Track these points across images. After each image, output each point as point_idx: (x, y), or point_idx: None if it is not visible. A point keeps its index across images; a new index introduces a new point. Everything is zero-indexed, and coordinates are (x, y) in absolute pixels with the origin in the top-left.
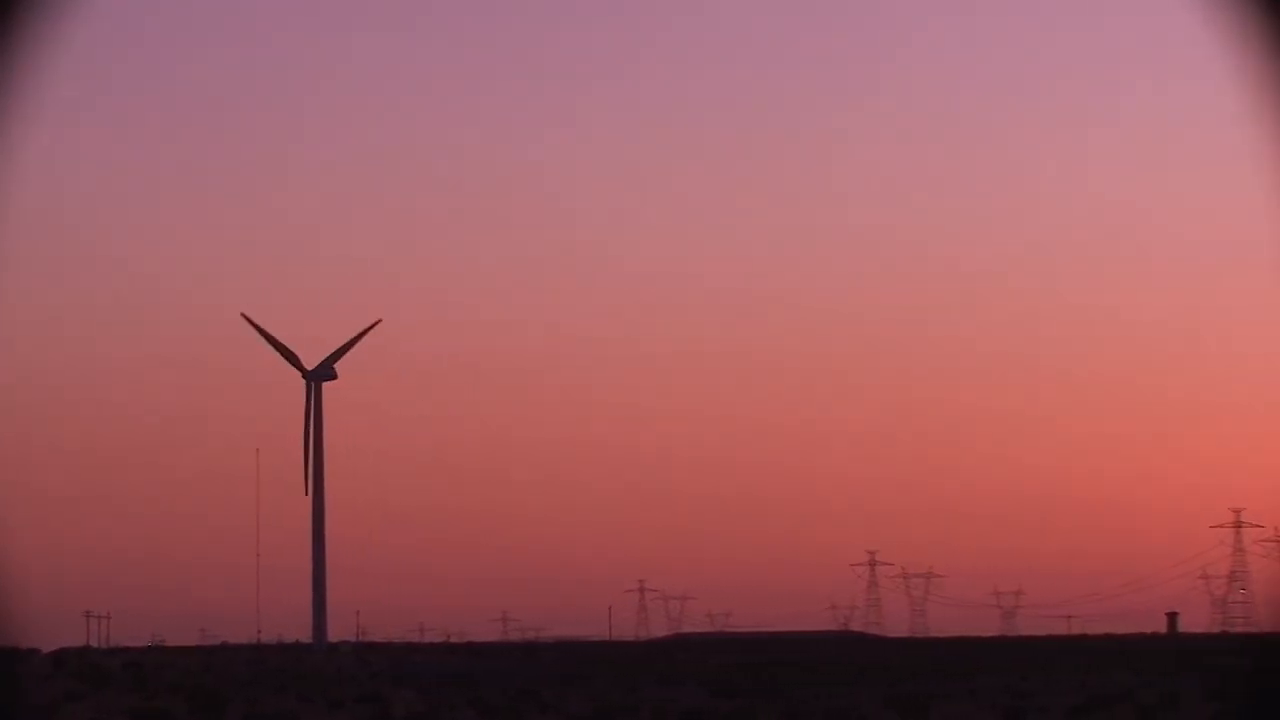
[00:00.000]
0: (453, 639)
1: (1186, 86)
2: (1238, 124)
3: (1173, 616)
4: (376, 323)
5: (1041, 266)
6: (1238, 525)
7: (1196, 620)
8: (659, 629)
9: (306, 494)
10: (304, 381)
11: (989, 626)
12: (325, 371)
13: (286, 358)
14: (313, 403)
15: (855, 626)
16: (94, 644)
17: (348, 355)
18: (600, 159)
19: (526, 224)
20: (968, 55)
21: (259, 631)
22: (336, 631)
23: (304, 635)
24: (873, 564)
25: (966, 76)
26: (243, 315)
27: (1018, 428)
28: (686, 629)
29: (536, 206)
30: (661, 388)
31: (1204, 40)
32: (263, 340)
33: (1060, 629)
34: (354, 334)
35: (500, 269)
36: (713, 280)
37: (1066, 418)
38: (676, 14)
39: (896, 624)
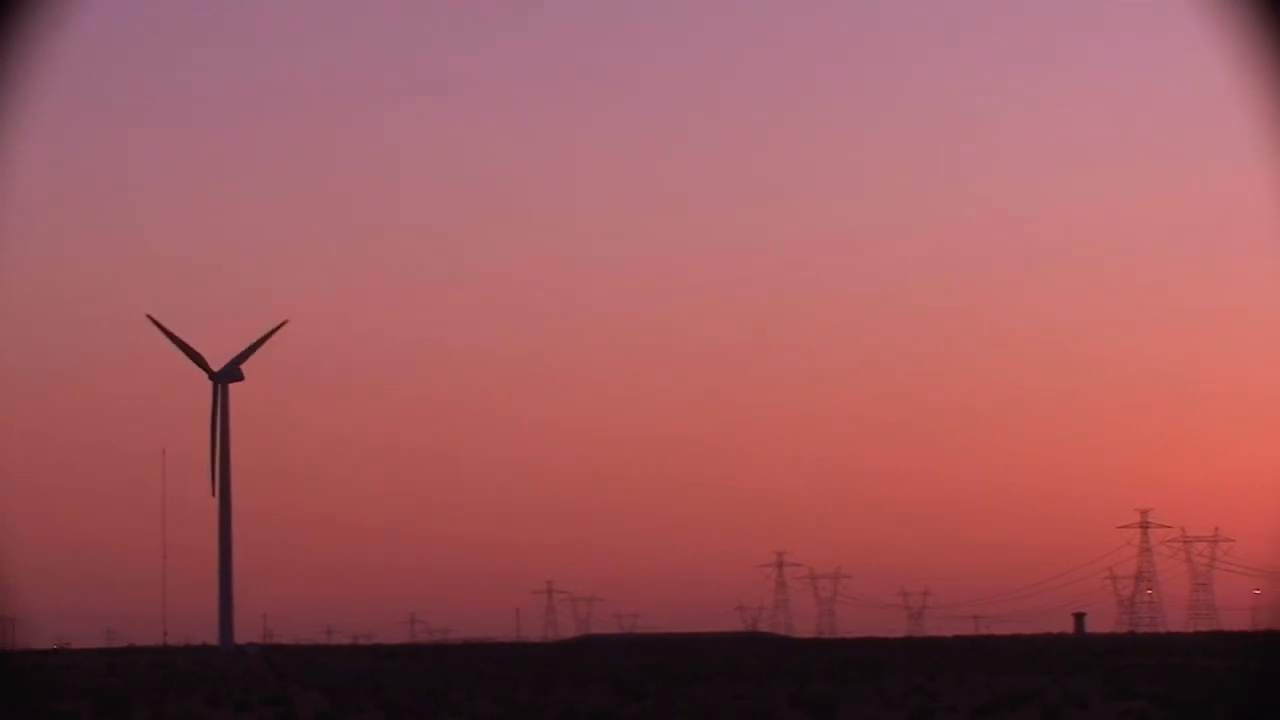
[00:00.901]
0: (360, 641)
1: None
2: (1133, 118)
3: (1080, 617)
4: (282, 324)
5: (945, 270)
6: (1145, 526)
7: (1104, 621)
8: (567, 630)
9: (213, 495)
10: (211, 383)
11: (896, 627)
12: (231, 373)
13: (193, 359)
14: (219, 404)
15: (763, 627)
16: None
17: (255, 357)
18: (486, 164)
19: (433, 229)
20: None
21: (165, 634)
22: (243, 634)
23: (211, 638)
24: (780, 565)
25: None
26: (148, 317)
27: (925, 430)
28: (594, 630)
29: (439, 211)
30: (570, 392)
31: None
32: (169, 342)
33: (967, 629)
34: (260, 335)
35: (414, 271)
36: (616, 286)
37: (974, 419)
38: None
39: (804, 624)
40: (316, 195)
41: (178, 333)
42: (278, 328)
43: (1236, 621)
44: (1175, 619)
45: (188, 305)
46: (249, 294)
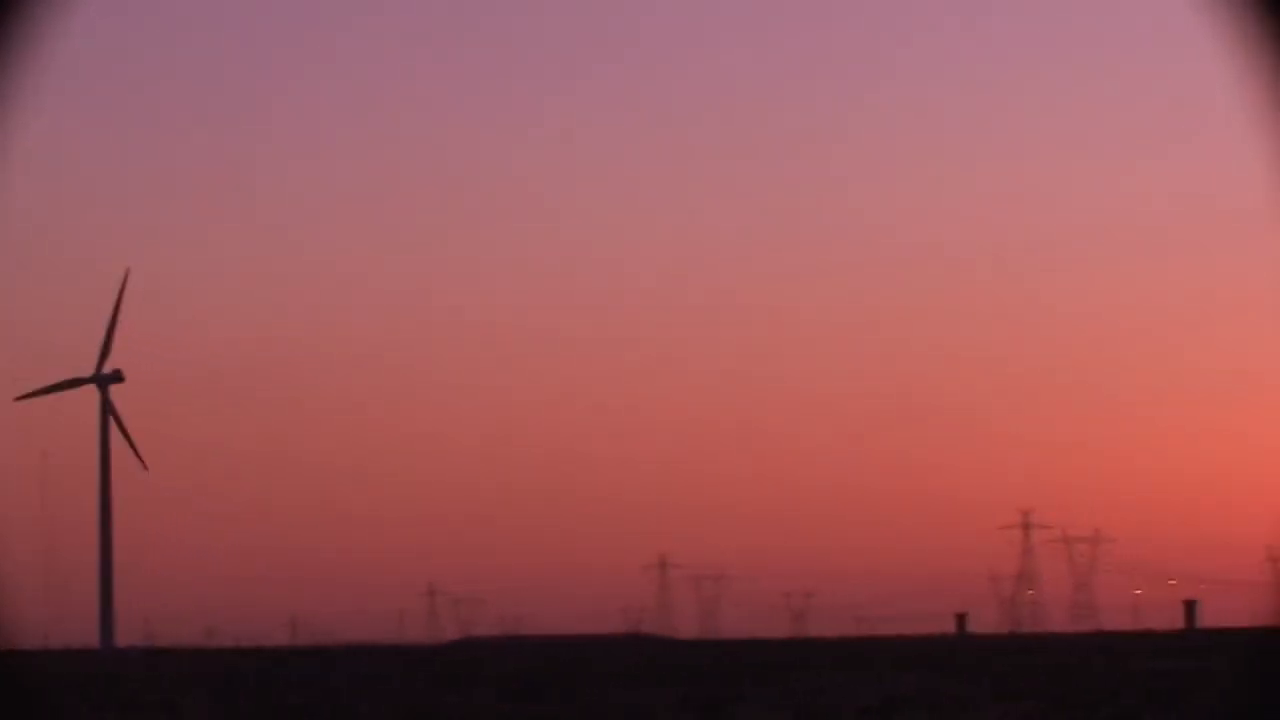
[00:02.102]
0: (243, 643)
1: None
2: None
3: (961, 617)
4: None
5: (820, 272)
6: (1026, 526)
7: (985, 621)
8: (449, 632)
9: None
10: (93, 386)
11: (780, 628)
12: (112, 374)
13: (70, 385)
14: (102, 406)
15: (646, 629)
16: None
17: (139, 358)
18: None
19: (320, 224)
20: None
21: (45, 636)
22: (125, 636)
23: (91, 640)
24: (663, 566)
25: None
26: (17, 399)
27: (807, 429)
28: (477, 632)
29: (305, 211)
30: (451, 394)
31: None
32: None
33: (850, 630)
34: (107, 329)
35: (290, 270)
36: (494, 289)
37: (855, 420)
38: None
39: (687, 626)
40: (195, 189)
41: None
42: (116, 314)
43: (1117, 621)
44: (1056, 619)
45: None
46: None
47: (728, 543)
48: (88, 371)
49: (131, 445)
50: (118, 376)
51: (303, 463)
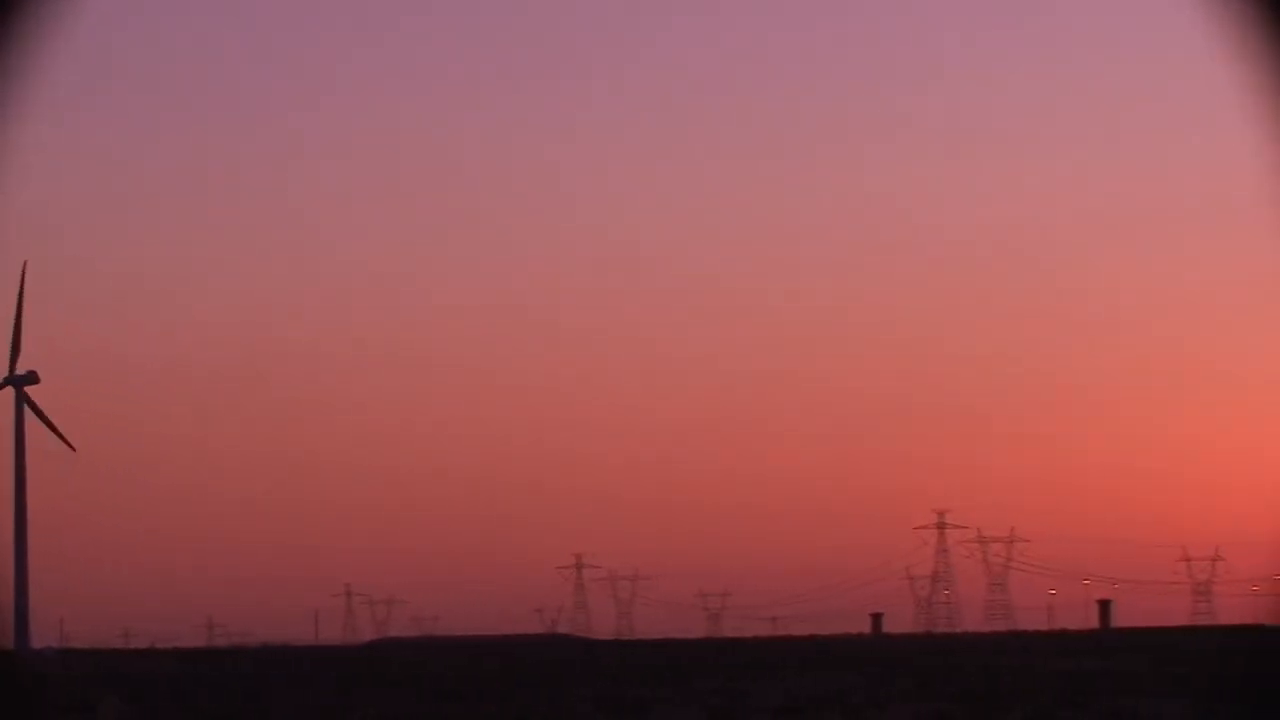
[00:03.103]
0: (158, 645)
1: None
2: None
3: (877, 617)
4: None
5: (752, 270)
6: (941, 526)
7: (900, 621)
8: (366, 633)
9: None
10: (7, 387)
11: (696, 628)
12: (26, 375)
13: None
14: (17, 409)
15: (563, 629)
16: None
17: (52, 360)
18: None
19: (238, 223)
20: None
21: None
22: (40, 637)
23: (5, 641)
24: (579, 567)
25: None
26: None
27: (722, 429)
28: (393, 633)
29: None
30: (368, 393)
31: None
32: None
33: (766, 630)
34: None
35: (212, 267)
36: (414, 287)
37: (770, 418)
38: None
39: (603, 626)
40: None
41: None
42: (20, 309)
43: (1032, 621)
44: (971, 619)
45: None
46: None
47: (644, 544)
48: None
49: (56, 432)
50: (32, 378)
51: (219, 465)
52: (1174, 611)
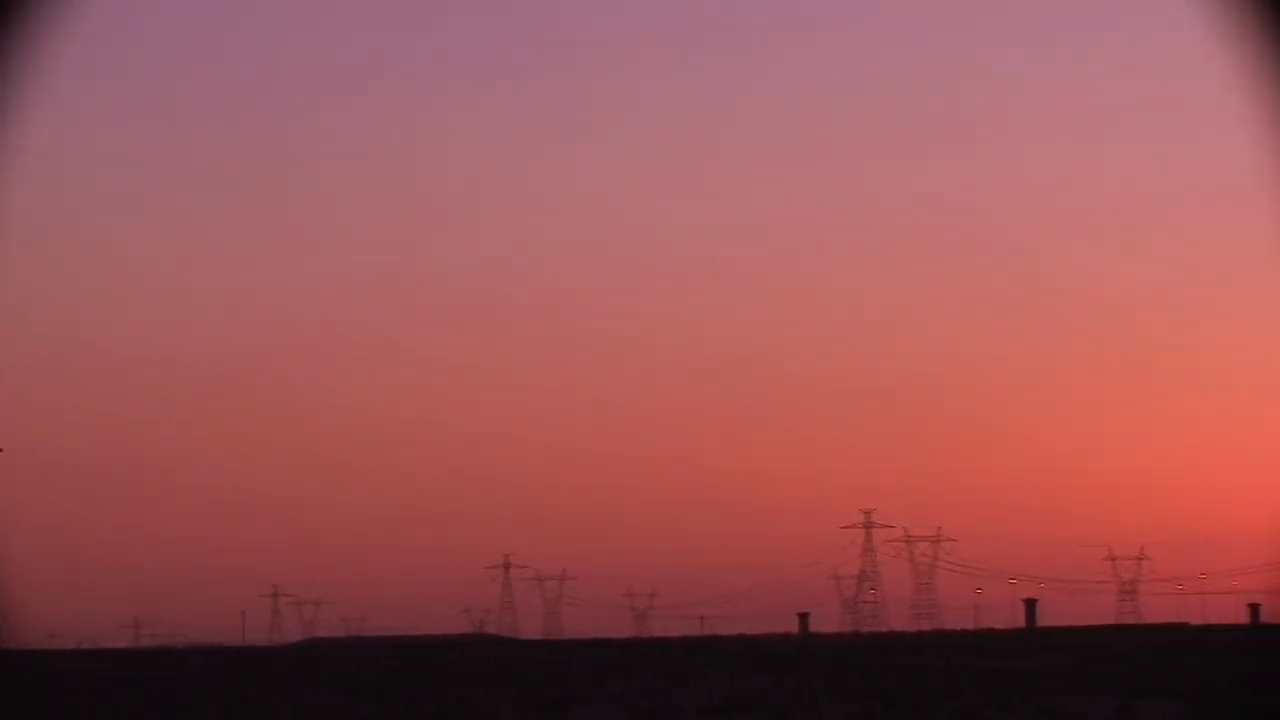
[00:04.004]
0: (84, 646)
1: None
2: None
3: (804, 617)
4: None
5: (663, 271)
6: (868, 526)
7: (827, 621)
8: (292, 634)
9: None
10: None
11: (623, 628)
12: None
13: None
14: None
15: (490, 629)
16: None
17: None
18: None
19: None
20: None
21: None
22: None
23: None
24: (506, 567)
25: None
26: None
27: (649, 427)
28: (320, 633)
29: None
30: (293, 393)
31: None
32: None
33: (693, 630)
34: None
35: (123, 271)
36: (334, 288)
37: (696, 420)
38: None
39: (530, 626)
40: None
41: None
42: None
43: (958, 620)
44: (898, 618)
45: None
46: None
47: (571, 544)
48: None
49: None
50: None
51: (145, 464)
52: (1099, 610)
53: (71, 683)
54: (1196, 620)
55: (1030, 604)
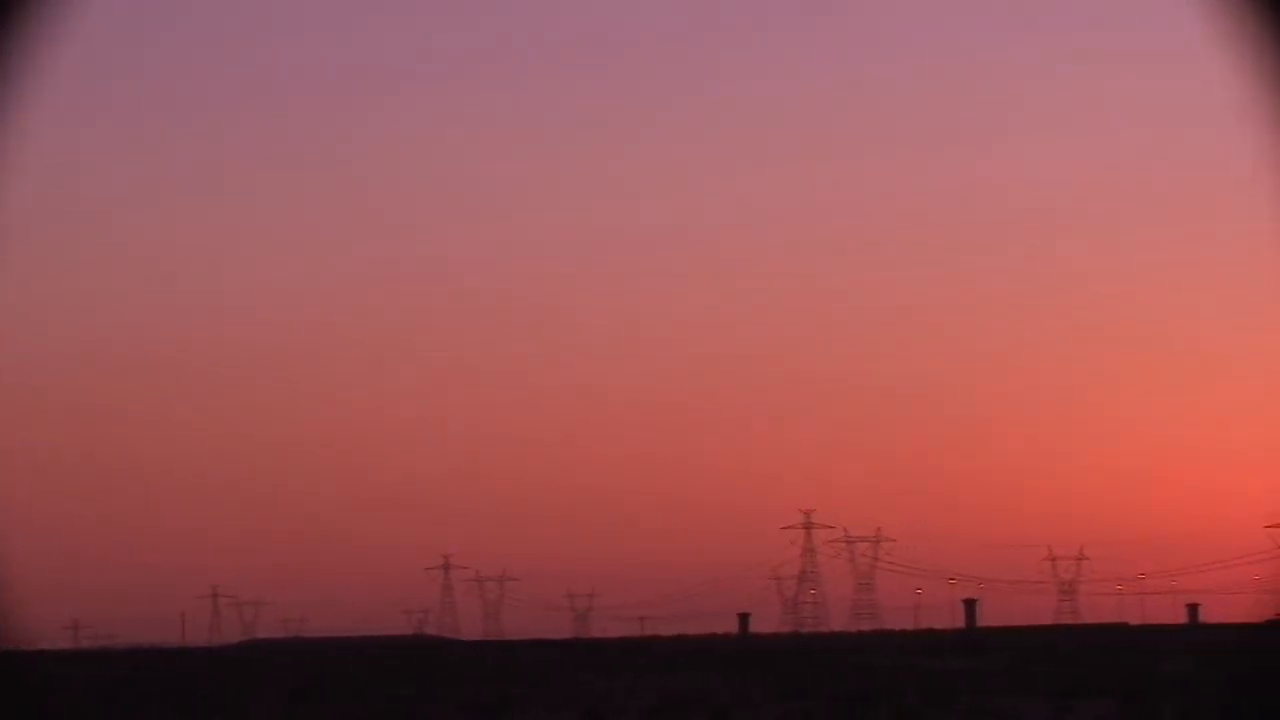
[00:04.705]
0: (23, 646)
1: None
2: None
3: (744, 617)
4: None
5: (611, 268)
6: (808, 526)
7: (767, 621)
8: (232, 635)
9: None
10: None
11: (563, 628)
12: None
13: None
14: None
15: (430, 630)
16: None
17: None
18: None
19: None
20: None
21: None
22: None
23: None
24: (446, 568)
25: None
26: None
27: (588, 432)
28: (260, 635)
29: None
30: (232, 393)
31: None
32: None
33: (634, 630)
34: None
35: (69, 271)
36: (280, 289)
37: (636, 420)
38: None
39: (471, 627)
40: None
41: None
42: None
43: (898, 621)
44: (838, 618)
45: None
46: None
47: (511, 545)
48: None
49: None
50: None
51: (83, 465)
52: (1039, 610)
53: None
54: (1136, 620)
55: (970, 604)
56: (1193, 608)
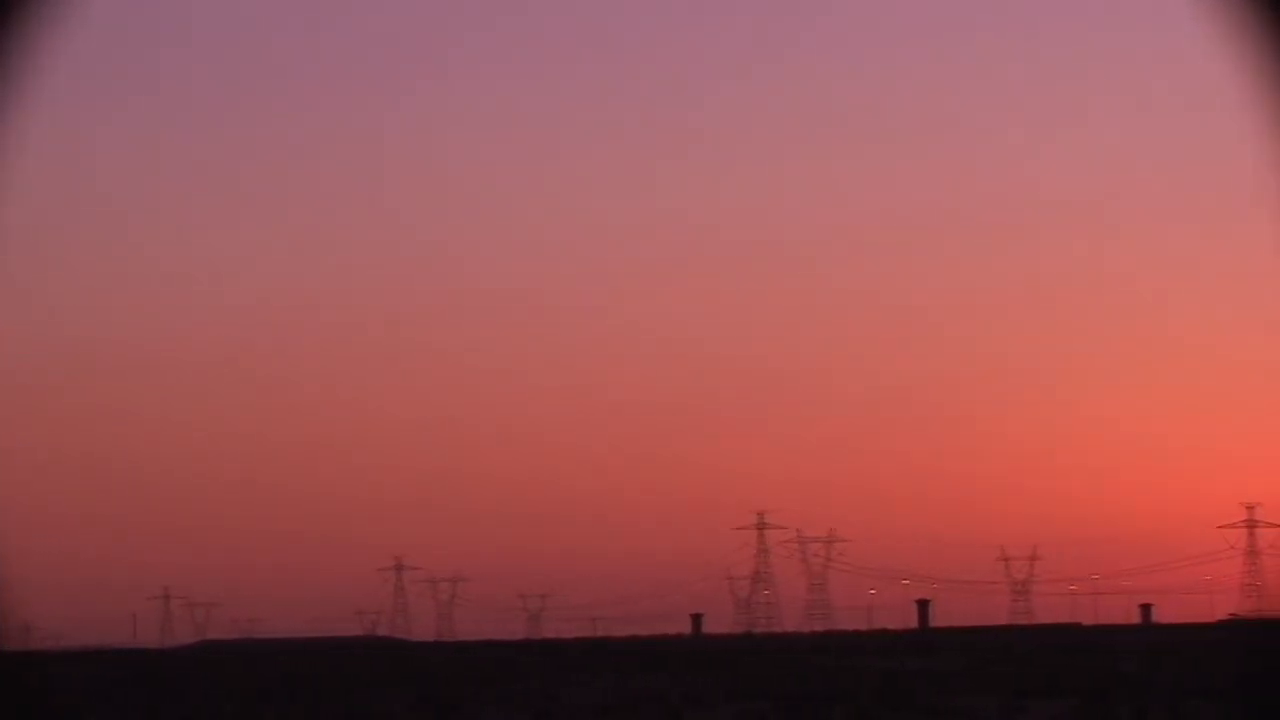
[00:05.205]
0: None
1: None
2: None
3: (697, 618)
4: None
5: (575, 267)
6: (761, 527)
7: (721, 621)
8: (184, 637)
9: None
10: None
11: (516, 629)
12: None
13: None
14: None
15: (383, 631)
16: None
17: None
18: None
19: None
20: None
21: None
22: None
23: None
24: (399, 569)
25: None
26: None
27: (540, 432)
28: (212, 636)
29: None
30: (184, 393)
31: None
32: None
33: (587, 631)
34: None
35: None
36: (246, 277)
37: (588, 421)
38: None
39: (423, 628)
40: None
41: None
42: None
43: (852, 621)
44: (791, 619)
45: None
46: None
47: (464, 545)
48: None
49: None
50: None
51: (32, 465)
52: (992, 610)
53: None
54: (1089, 620)
55: (923, 604)
56: (1146, 608)
